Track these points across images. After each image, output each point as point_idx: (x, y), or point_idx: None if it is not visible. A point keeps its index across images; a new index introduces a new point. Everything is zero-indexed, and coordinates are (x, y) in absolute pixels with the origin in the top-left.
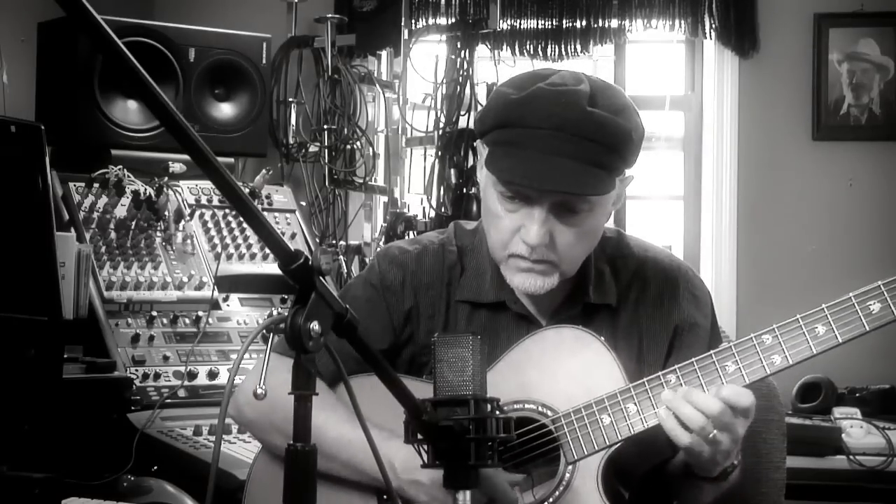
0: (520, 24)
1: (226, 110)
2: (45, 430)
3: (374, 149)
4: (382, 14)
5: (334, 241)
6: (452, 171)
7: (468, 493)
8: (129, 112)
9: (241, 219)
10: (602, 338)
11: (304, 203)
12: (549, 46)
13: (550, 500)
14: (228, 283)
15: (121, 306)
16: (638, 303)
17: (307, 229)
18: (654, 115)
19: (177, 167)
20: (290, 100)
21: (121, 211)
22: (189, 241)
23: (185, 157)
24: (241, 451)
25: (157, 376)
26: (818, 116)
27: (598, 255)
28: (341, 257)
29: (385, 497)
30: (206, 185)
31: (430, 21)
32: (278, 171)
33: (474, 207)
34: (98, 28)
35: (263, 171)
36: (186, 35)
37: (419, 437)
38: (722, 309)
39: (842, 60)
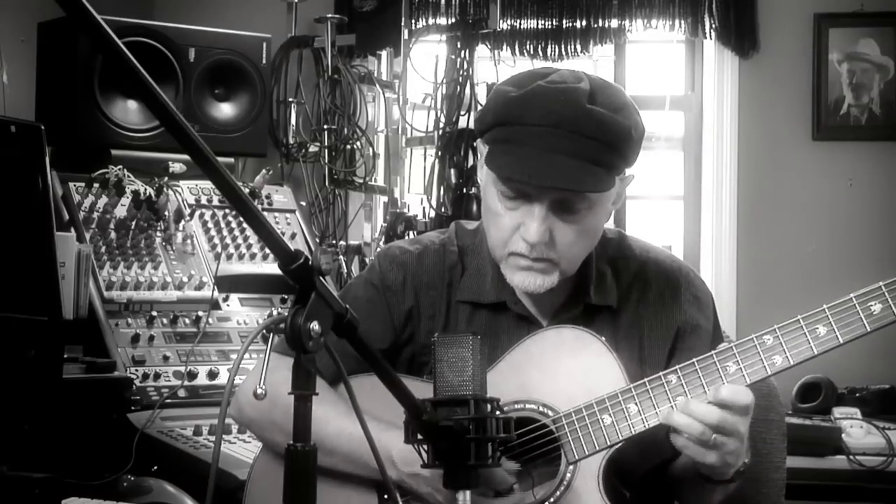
0: (520, 24)
1: (226, 110)
2: (45, 430)
3: (374, 149)
4: (382, 14)
5: (334, 241)
6: (452, 171)
7: (468, 493)
8: (129, 112)
9: (241, 219)
10: (603, 338)
11: (304, 203)
12: (549, 46)
13: (551, 500)
14: (228, 283)
15: (121, 306)
16: (639, 304)
17: (307, 229)
18: (654, 115)
19: (177, 167)
20: (290, 100)
21: (121, 211)
22: (189, 241)
23: (185, 157)
24: (241, 451)
25: (157, 376)
26: (818, 116)
27: (599, 255)
28: (341, 257)
29: (386, 497)
30: (206, 185)
31: (430, 21)
32: (278, 171)
33: (474, 207)
34: (98, 28)
35: (263, 171)
36: (186, 35)
37: (419, 437)
38: (722, 309)
39: (842, 60)
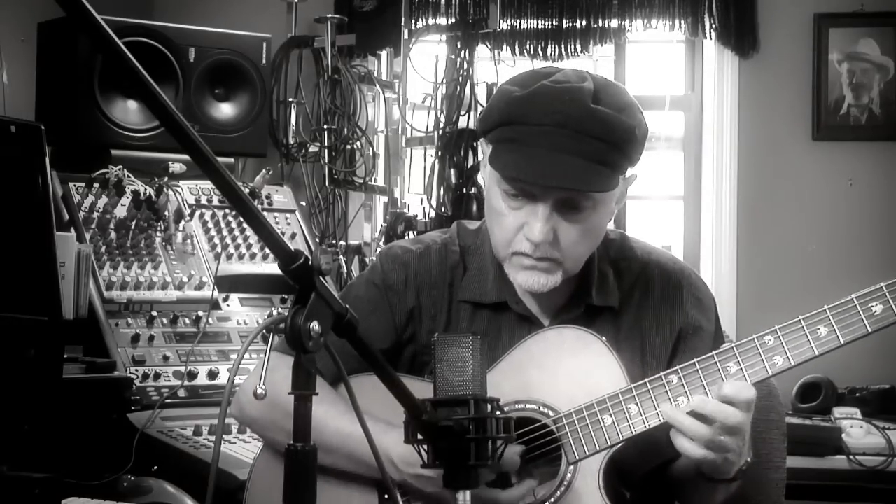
0: (520, 24)
1: (226, 110)
2: (45, 430)
3: (374, 149)
4: (382, 14)
5: (334, 241)
6: (452, 171)
7: (468, 493)
8: (129, 112)
9: (241, 219)
10: (603, 338)
11: (304, 203)
12: (550, 46)
13: (552, 500)
14: (228, 283)
15: (121, 306)
16: (641, 305)
17: (307, 229)
18: (654, 115)
19: (177, 167)
20: (290, 100)
21: (121, 211)
22: (189, 241)
23: (185, 157)
24: (241, 451)
25: (157, 376)
26: (818, 116)
27: (601, 256)
28: (341, 257)
29: (386, 497)
30: (206, 185)
31: (430, 21)
32: (278, 171)
33: (474, 207)
34: (98, 28)
35: (263, 171)
36: (186, 35)
37: (419, 437)
38: (722, 309)
39: (842, 60)
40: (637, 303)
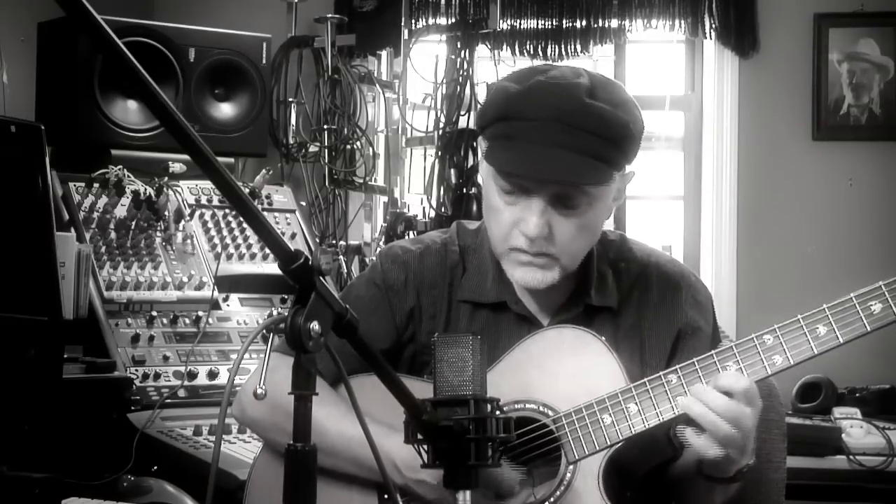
0: (520, 24)
1: (226, 110)
2: (45, 430)
3: (374, 149)
4: (382, 14)
5: (334, 241)
6: (452, 171)
7: (468, 493)
8: (129, 112)
9: (241, 219)
10: (603, 338)
11: (304, 203)
12: (549, 46)
13: (551, 499)
14: (228, 283)
15: (121, 306)
16: (640, 306)
17: (307, 229)
18: (654, 115)
19: (177, 167)
20: (290, 100)
21: (121, 211)
22: (189, 241)
23: (185, 157)
24: (241, 451)
25: (157, 376)
26: (818, 116)
27: (600, 257)
28: (341, 257)
29: (386, 496)
30: (206, 185)
31: (430, 21)
32: (278, 171)
33: (474, 207)
34: (98, 28)
35: (263, 171)
36: (186, 35)
37: (419, 437)
38: (722, 309)
39: (842, 60)
40: (636, 303)
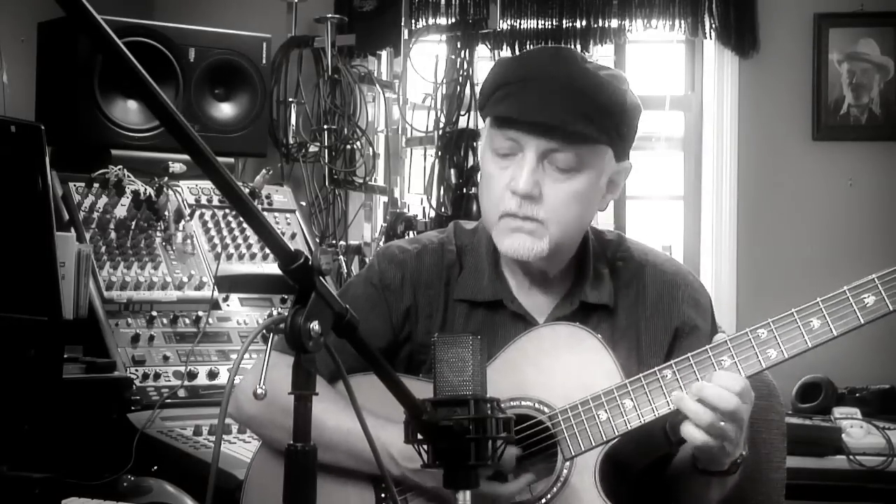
0: (520, 24)
1: (226, 110)
2: (45, 430)
3: (374, 149)
4: (382, 14)
5: (334, 241)
6: (452, 171)
7: (468, 493)
8: (129, 112)
9: (241, 219)
10: (598, 335)
11: (304, 203)
12: None
13: (548, 496)
14: (228, 283)
15: (121, 306)
16: (638, 305)
17: (307, 229)
18: (654, 115)
19: (177, 167)
20: (290, 100)
21: (121, 211)
22: (189, 241)
23: (185, 157)
24: (241, 451)
25: (157, 376)
26: (818, 116)
27: (597, 256)
28: (341, 257)
29: (383, 486)
30: (206, 185)
31: (430, 21)
32: (278, 171)
33: (474, 207)
34: (98, 28)
35: (263, 171)
36: (186, 35)
37: (419, 437)
38: (722, 309)
39: (842, 60)
40: (633, 302)
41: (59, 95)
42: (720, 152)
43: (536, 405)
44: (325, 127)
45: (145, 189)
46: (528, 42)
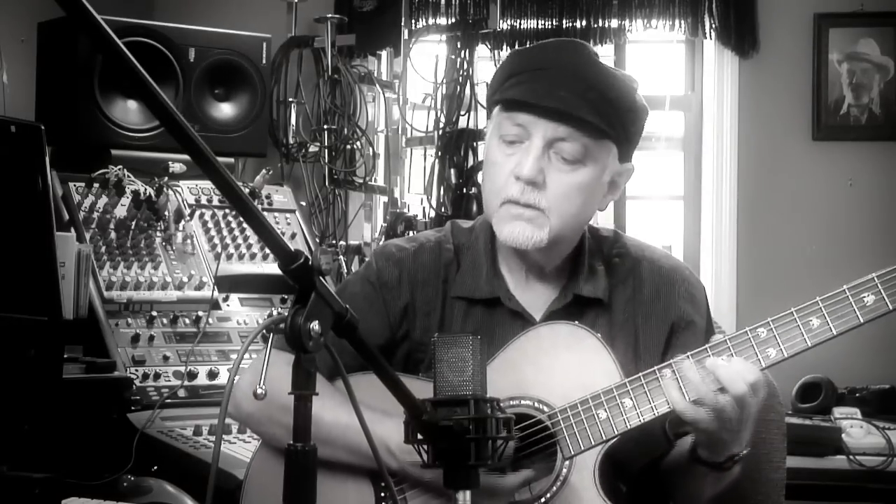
0: (520, 24)
1: (226, 110)
2: (45, 430)
3: (374, 149)
4: (382, 14)
5: (334, 241)
6: (452, 171)
7: (468, 493)
8: (129, 112)
9: (241, 219)
10: (598, 334)
11: (304, 203)
12: None
13: (548, 495)
14: (228, 283)
15: (121, 306)
16: (634, 300)
17: (307, 229)
18: (654, 115)
19: (177, 167)
20: (290, 100)
21: (121, 211)
22: (189, 241)
23: (185, 157)
24: (241, 450)
25: (157, 376)
26: (818, 116)
27: (593, 252)
28: (341, 257)
29: (382, 483)
30: (206, 185)
31: (430, 21)
32: (278, 171)
33: (474, 207)
34: (98, 28)
35: (263, 171)
36: (186, 35)
37: (419, 437)
38: (722, 308)
39: (842, 60)
40: (630, 297)
41: (59, 95)
42: (720, 152)
43: (536, 404)
44: (325, 127)
45: (145, 189)
46: (527, 42)
